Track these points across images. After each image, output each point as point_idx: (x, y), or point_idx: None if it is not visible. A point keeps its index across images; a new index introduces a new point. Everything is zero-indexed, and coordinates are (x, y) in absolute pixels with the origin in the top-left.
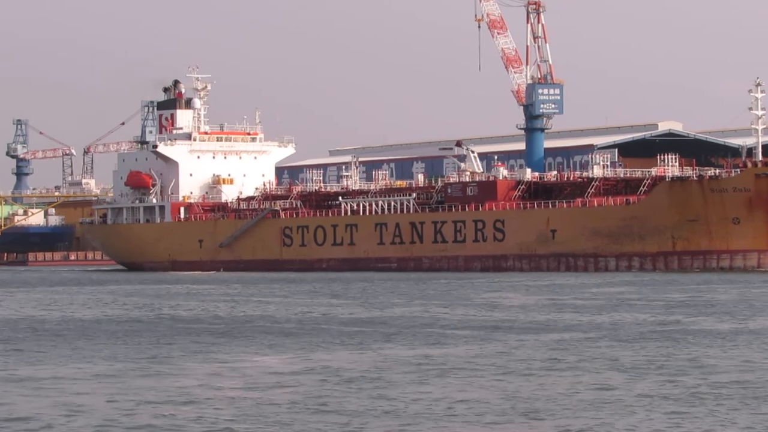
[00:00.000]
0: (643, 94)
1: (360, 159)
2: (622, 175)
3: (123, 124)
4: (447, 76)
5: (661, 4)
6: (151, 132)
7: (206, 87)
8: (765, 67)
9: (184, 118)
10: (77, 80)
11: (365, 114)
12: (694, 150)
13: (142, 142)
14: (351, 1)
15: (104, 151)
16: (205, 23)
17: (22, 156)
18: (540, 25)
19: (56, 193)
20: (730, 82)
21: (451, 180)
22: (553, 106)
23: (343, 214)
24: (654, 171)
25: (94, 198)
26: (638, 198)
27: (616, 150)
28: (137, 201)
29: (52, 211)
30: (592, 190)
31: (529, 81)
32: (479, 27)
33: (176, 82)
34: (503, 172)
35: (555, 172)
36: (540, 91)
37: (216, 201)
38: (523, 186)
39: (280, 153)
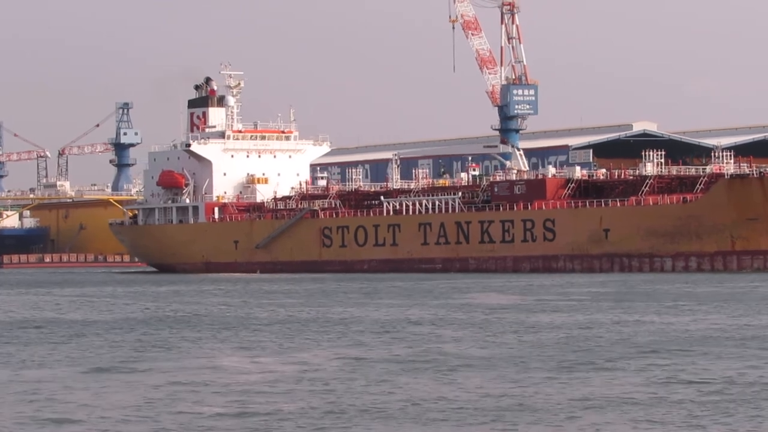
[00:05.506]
0: (618, 95)
1: (337, 160)
2: (675, 173)
3: (98, 126)
4: (421, 77)
5: (636, 5)
6: (125, 134)
7: (239, 84)
8: (740, 66)
9: (216, 116)
10: (52, 82)
11: (338, 113)
12: (669, 150)
13: (117, 143)
14: None
15: (79, 153)
16: (188, 22)
17: None
18: (514, 26)
19: (31, 196)
20: (704, 83)
21: (497, 178)
22: (527, 106)
23: (384, 214)
24: (710, 168)
25: (69, 200)
26: (695, 196)
27: (591, 150)
28: (170, 201)
29: (26, 213)
30: (647, 188)
31: (504, 82)
32: (453, 28)
33: (208, 80)
34: (552, 170)
35: (604, 170)
36: (515, 91)
37: (251, 201)
38: (573, 184)
39: (315, 151)
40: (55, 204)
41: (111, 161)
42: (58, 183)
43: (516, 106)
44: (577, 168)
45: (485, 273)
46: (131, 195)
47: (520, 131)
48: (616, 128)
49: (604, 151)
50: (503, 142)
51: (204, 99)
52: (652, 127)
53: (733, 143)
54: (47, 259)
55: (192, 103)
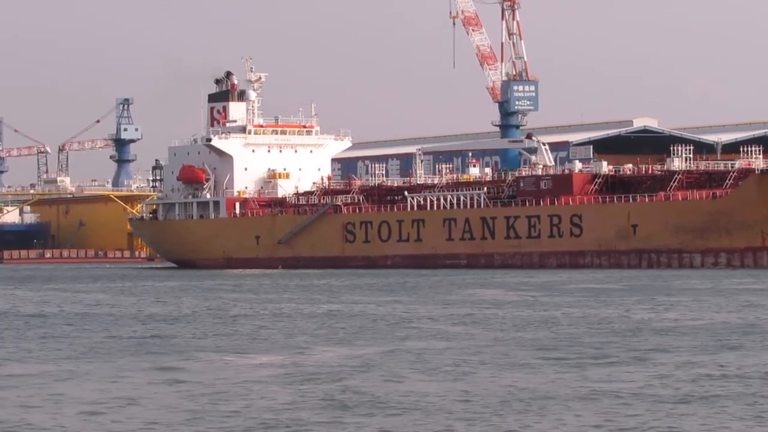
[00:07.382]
0: (618, 91)
1: (338, 156)
2: (703, 168)
3: (98, 122)
4: (421, 73)
5: (636, 2)
6: (125, 130)
7: (260, 78)
8: (739, 67)
9: (237, 110)
10: (52, 78)
11: (337, 110)
12: (669, 146)
13: (117, 139)
14: None
15: (79, 149)
16: (197, 19)
17: None
18: (515, 22)
19: (31, 191)
20: (703, 83)
21: (523, 173)
22: (528, 102)
23: (408, 209)
24: (739, 163)
25: (69, 196)
26: (725, 191)
27: (591, 146)
28: (190, 196)
29: (27, 208)
30: (675, 183)
31: (504, 78)
32: (454, 24)
33: (229, 74)
34: (578, 165)
35: (631, 165)
36: (515, 87)
37: (272, 196)
38: (600, 179)
39: (337, 146)
40: (56, 199)
41: (111, 157)
42: (59, 179)
43: (516, 102)
44: (604, 163)
45: (511, 269)
46: (132, 191)
47: (521, 127)
48: (617, 124)
49: (604, 147)
50: (528, 137)
51: (225, 93)
52: (652, 123)
53: (734, 139)
54: (47, 255)
55: (212, 98)
